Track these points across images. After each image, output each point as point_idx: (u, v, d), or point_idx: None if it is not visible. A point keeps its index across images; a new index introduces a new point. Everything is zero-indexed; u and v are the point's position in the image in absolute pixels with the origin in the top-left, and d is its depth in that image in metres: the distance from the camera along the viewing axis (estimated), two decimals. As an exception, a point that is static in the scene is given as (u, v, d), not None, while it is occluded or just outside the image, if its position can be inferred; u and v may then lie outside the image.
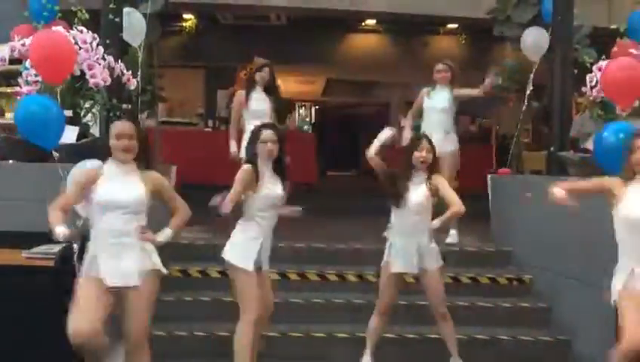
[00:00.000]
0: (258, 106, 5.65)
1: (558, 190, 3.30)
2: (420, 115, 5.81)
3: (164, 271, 3.32)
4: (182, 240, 5.49)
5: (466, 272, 5.05)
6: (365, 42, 11.28)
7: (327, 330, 4.50)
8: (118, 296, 3.18)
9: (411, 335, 4.47)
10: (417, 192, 3.94)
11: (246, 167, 3.65)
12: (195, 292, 4.80)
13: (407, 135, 5.51)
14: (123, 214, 3.19)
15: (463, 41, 11.13)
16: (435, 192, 3.95)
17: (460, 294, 4.80)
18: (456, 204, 3.89)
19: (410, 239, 3.95)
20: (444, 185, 3.97)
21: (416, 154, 3.95)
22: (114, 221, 3.19)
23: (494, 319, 4.68)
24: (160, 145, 6.57)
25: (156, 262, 3.29)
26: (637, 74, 4.03)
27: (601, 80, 4.28)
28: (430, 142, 4.01)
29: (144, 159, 3.30)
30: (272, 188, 3.68)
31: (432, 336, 4.31)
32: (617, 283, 3.17)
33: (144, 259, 3.25)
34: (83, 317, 3.00)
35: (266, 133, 3.69)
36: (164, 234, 3.35)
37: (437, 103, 5.68)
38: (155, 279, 3.29)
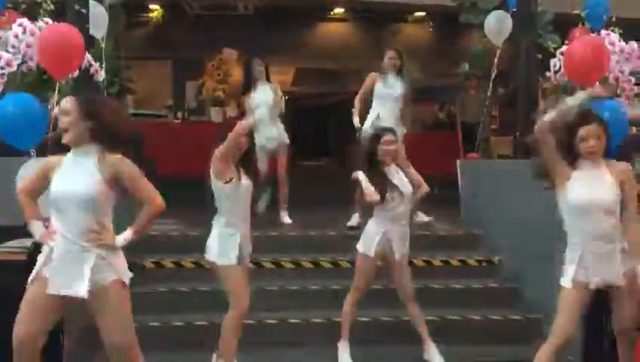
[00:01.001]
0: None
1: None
2: (366, 100, 5.86)
3: (127, 279, 2.87)
4: (154, 231, 5.49)
5: (438, 255, 5.15)
6: (334, 31, 11.30)
7: (302, 316, 4.56)
8: (77, 304, 2.83)
9: (386, 318, 4.56)
10: (403, 182, 4.02)
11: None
12: (170, 283, 4.81)
13: (356, 121, 5.59)
14: (75, 211, 2.73)
15: (431, 29, 11.23)
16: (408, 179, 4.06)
17: (433, 277, 4.91)
18: (424, 184, 4.08)
19: (394, 226, 4.02)
20: (409, 168, 4.11)
21: (383, 148, 4.01)
22: (66, 220, 2.75)
23: (465, 300, 4.80)
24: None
25: (118, 270, 2.83)
26: (598, 54, 4.15)
27: (564, 63, 4.40)
28: (394, 133, 4.08)
29: (109, 141, 2.78)
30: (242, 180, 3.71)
31: (407, 319, 4.40)
32: (569, 272, 3.13)
33: (100, 267, 2.77)
34: (21, 320, 2.75)
35: None
36: (123, 238, 2.84)
37: (392, 91, 5.74)
38: (117, 290, 2.81)
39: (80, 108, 2.76)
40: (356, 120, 5.67)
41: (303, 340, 4.39)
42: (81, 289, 2.73)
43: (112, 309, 2.80)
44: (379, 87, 5.78)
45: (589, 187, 3.07)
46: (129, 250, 2.98)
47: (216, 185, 3.63)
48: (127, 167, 2.80)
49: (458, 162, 6.40)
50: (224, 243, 3.65)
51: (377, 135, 4.12)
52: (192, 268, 4.90)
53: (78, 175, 2.74)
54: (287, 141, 6.05)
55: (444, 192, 6.19)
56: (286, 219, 5.84)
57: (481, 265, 5.21)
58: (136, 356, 2.90)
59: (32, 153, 4.09)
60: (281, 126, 6.07)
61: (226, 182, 3.60)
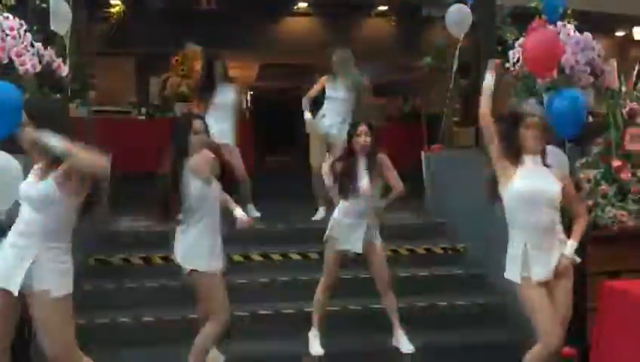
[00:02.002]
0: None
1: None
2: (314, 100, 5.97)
3: (58, 293, 2.72)
4: (122, 228, 5.47)
5: (404, 244, 5.26)
6: (297, 26, 11.32)
7: (273, 308, 4.60)
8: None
9: (354, 307, 4.64)
10: (365, 179, 4.04)
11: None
12: (139, 279, 4.80)
13: (307, 117, 5.78)
14: (27, 206, 2.76)
15: (394, 23, 11.34)
16: (379, 173, 4.09)
17: (399, 265, 5.00)
18: (400, 186, 4.11)
19: (359, 220, 4.08)
20: (388, 165, 4.12)
21: (356, 139, 4.06)
22: (22, 214, 2.78)
23: (432, 287, 4.92)
24: (93, 134, 6.43)
25: (47, 281, 2.71)
26: (553, 45, 4.27)
27: (522, 54, 4.51)
28: (370, 126, 4.10)
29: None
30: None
31: (375, 307, 4.50)
32: (514, 267, 3.12)
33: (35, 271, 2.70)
34: None
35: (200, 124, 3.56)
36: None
37: (340, 91, 5.85)
38: (44, 303, 2.70)
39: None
40: (306, 114, 5.84)
41: (274, 331, 4.44)
42: (13, 284, 2.71)
43: (39, 316, 2.75)
44: (329, 89, 5.89)
45: (533, 179, 3.12)
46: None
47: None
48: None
49: (422, 154, 6.52)
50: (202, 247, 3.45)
51: (353, 127, 4.16)
52: (160, 264, 4.90)
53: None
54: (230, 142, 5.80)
55: (409, 183, 6.29)
56: (253, 212, 5.86)
57: (446, 252, 5.34)
58: None
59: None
60: (228, 127, 5.89)
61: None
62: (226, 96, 5.93)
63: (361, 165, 4.07)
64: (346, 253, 4.14)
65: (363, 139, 4.05)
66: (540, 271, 3.07)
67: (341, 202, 4.13)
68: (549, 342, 2.98)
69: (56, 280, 2.74)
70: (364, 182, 4.03)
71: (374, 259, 4.15)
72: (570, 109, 4.23)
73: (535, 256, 3.08)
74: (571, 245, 3.11)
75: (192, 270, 3.43)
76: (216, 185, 3.48)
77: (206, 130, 3.55)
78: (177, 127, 3.67)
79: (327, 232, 4.16)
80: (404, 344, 4.18)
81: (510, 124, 3.22)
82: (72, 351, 2.81)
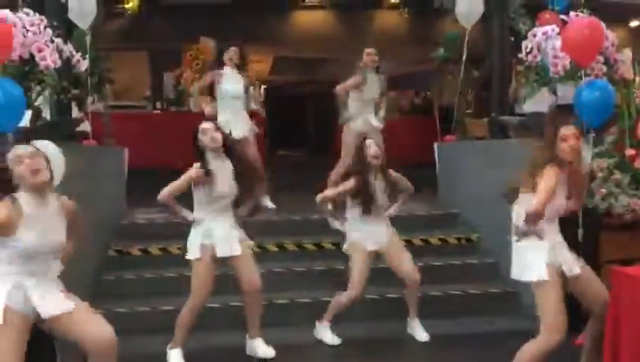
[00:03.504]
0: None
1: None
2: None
3: None
4: (141, 220, 5.57)
5: (418, 235, 5.30)
6: (310, 19, 11.35)
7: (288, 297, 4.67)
8: None
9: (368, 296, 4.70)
10: (381, 190, 4.15)
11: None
12: (157, 270, 4.89)
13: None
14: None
15: (406, 15, 11.34)
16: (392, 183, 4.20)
17: (413, 255, 5.01)
18: (410, 188, 4.25)
19: (378, 222, 4.18)
20: (399, 176, 4.23)
21: (370, 152, 4.11)
22: None
23: (446, 276, 4.96)
24: (111, 128, 6.54)
25: None
26: (597, 33, 4.28)
27: (562, 40, 4.48)
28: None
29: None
30: None
31: (389, 296, 4.56)
32: (541, 257, 3.12)
33: None
34: None
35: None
36: None
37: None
38: None
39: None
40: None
41: (289, 320, 4.51)
42: None
43: None
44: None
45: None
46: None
47: None
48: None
49: (435, 145, 6.55)
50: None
51: (363, 140, 4.23)
52: (178, 254, 4.97)
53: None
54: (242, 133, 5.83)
55: (423, 174, 6.34)
56: (269, 203, 5.92)
57: (460, 242, 5.37)
58: None
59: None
60: (240, 117, 5.92)
61: None
62: (235, 85, 5.90)
63: (374, 176, 4.14)
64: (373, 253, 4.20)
65: (375, 152, 4.11)
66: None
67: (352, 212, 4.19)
68: (555, 333, 3.02)
69: None
70: (381, 193, 4.16)
71: (398, 253, 4.25)
72: (602, 99, 4.22)
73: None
74: None
75: None
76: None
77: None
78: None
79: (349, 239, 4.21)
80: (420, 332, 4.23)
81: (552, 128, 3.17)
82: None
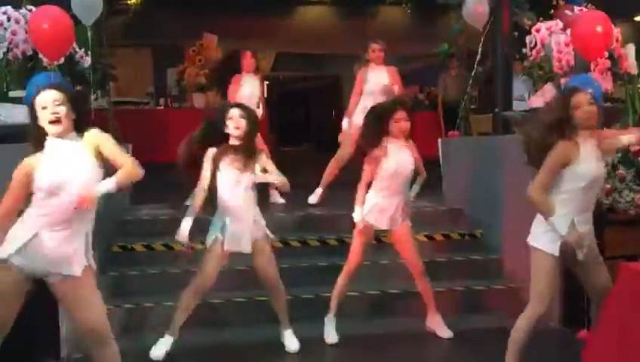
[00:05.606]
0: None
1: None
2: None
3: None
4: (145, 216, 5.58)
5: (422, 231, 5.29)
6: (313, 15, 11.34)
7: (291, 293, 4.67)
8: None
9: (373, 292, 4.70)
10: (405, 157, 4.07)
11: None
12: (161, 266, 4.90)
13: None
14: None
15: (409, 11, 11.32)
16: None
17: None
18: (424, 170, 4.23)
19: (394, 199, 4.07)
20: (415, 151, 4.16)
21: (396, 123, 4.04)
22: None
23: (450, 272, 4.95)
24: (114, 124, 6.54)
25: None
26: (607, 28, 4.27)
27: (571, 35, 4.46)
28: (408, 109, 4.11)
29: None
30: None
31: (393, 291, 4.56)
32: (561, 229, 3.08)
33: None
34: None
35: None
36: (104, 185, 2.86)
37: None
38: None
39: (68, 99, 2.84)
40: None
41: (293, 315, 4.51)
42: None
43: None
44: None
45: (592, 162, 3.07)
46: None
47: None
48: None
49: (439, 141, 6.54)
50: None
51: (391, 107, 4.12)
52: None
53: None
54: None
55: (426, 170, 6.32)
56: (278, 198, 5.93)
57: (464, 238, 5.37)
58: None
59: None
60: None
61: None
62: (252, 88, 6.00)
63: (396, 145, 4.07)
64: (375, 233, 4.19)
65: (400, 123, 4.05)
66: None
67: (377, 182, 4.08)
68: (543, 305, 3.11)
69: None
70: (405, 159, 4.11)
71: (407, 239, 4.20)
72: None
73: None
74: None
75: None
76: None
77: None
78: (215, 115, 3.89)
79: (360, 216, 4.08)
80: (443, 329, 4.25)
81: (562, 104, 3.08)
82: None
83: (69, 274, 2.82)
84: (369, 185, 4.06)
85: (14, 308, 2.83)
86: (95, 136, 2.88)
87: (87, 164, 2.84)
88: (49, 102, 2.79)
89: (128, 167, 2.91)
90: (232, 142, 3.80)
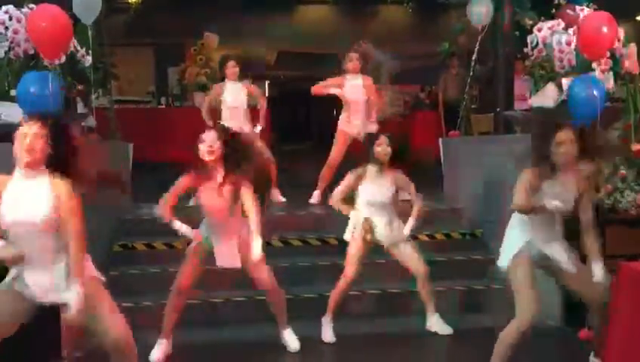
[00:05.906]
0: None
1: None
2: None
3: None
4: (145, 215, 5.58)
5: (423, 230, 5.29)
6: (315, 14, 11.35)
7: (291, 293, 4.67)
8: None
9: (373, 291, 4.71)
10: (382, 188, 4.14)
11: None
12: (162, 265, 4.90)
13: None
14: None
15: (410, 10, 11.32)
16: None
17: (419, 251, 5.04)
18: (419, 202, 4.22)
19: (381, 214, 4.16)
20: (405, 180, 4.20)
21: (377, 149, 4.10)
22: None
23: (450, 271, 4.95)
24: (116, 123, 6.54)
25: None
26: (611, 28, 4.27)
27: (578, 36, 4.45)
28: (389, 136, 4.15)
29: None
30: None
31: (393, 291, 4.55)
32: (513, 248, 3.31)
33: None
34: None
35: None
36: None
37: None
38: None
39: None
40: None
41: (293, 315, 4.51)
42: None
43: None
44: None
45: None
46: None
47: None
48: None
49: (440, 140, 6.54)
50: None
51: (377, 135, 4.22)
52: (182, 250, 4.98)
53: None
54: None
55: (427, 170, 6.34)
56: (279, 197, 5.92)
57: (464, 238, 5.36)
58: None
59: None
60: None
61: None
62: (235, 95, 5.88)
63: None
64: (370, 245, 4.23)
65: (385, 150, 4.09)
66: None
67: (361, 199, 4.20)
68: (526, 319, 3.14)
69: None
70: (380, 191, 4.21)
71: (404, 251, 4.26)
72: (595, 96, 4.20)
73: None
74: None
75: None
76: None
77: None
78: None
79: (350, 232, 4.21)
80: (443, 327, 4.27)
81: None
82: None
83: (63, 302, 2.79)
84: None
85: (11, 328, 2.88)
86: (60, 186, 2.74)
87: (43, 204, 2.72)
88: (29, 135, 2.70)
89: (76, 246, 2.77)
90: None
